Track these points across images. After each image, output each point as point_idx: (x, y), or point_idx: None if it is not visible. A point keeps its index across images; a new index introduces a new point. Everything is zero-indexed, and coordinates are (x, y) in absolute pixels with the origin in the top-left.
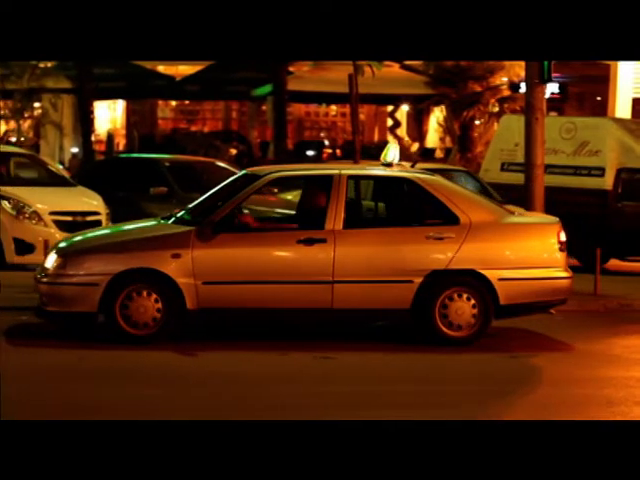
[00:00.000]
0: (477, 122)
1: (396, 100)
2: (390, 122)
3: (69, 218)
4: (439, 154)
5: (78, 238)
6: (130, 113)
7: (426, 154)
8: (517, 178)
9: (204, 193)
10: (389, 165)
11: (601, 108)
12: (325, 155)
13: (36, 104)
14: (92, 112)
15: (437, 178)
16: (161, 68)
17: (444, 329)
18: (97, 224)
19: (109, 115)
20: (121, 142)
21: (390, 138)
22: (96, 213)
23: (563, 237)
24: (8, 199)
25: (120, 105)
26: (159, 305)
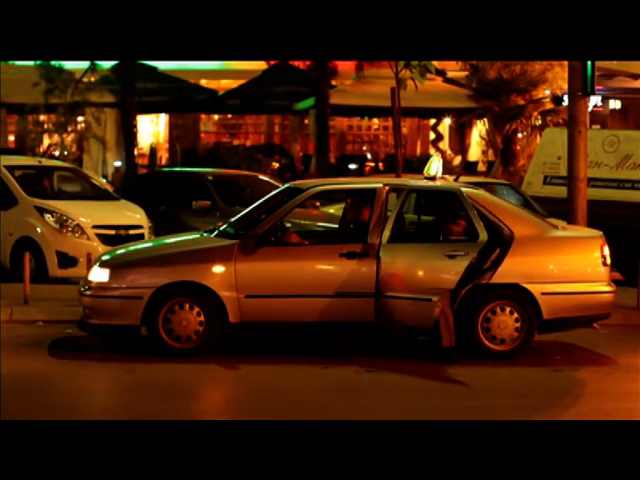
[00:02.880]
0: (520, 135)
1: (439, 113)
2: (432, 135)
3: (112, 232)
4: (481, 167)
5: (121, 251)
6: (173, 127)
7: (469, 167)
8: (560, 191)
9: (247, 207)
10: (432, 178)
11: None
12: (367, 169)
13: (79, 118)
14: (135, 126)
15: (481, 191)
16: (204, 82)
17: (487, 343)
18: (140, 237)
19: (152, 129)
20: (164, 156)
21: (433, 151)
22: (139, 227)
23: (607, 251)
24: (51, 213)
25: (163, 119)
26: (201, 318)
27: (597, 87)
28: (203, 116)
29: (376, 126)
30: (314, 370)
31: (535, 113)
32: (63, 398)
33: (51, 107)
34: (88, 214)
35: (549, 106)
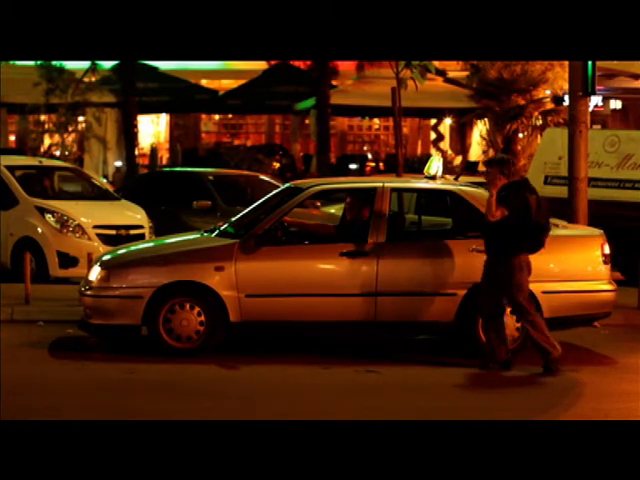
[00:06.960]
0: (520, 135)
1: (439, 113)
2: (433, 135)
3: (112, 232)
4: (482, 167)
5: (121, 251)
6: (173, 127)
7: (469, 167)
8: (560, 191)
9: (247, 206)
10: (432, 178)
11: None
12: (368, 169)
13: (80, 118)
14: (136, 126)
15: (480, 190)
16: (204, 82)
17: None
18: (140, 237)
19: (152, 129)
20: (164, 156)
21: (433, 151)
22: (139, 227)
23: (607, 250)
24: (52, 213)
25: (163, 119)
26: (202, 318)
27: (598, 87)
28: (204, 116)
29: (377, 126)
30: (314, 370)
31: (536, 113)
32: (63, 398)
33: (52, 107)
34: (89, 214)
35: (550, 106)
